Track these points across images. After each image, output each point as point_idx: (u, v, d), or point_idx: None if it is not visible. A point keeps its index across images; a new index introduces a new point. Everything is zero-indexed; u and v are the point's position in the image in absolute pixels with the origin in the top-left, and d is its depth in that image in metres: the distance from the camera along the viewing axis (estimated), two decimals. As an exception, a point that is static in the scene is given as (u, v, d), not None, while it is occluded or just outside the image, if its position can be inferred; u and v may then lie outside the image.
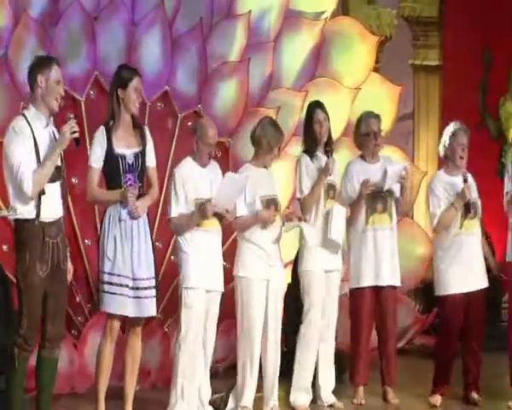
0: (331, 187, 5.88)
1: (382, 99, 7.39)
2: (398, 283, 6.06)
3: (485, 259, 6.04)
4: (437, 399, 6.02)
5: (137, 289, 5.09)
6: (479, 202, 5.95)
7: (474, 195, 5.93)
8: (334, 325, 5.96)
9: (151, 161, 5.27)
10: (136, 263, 5.10)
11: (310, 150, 5.89)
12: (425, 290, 7.87)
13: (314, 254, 5.83)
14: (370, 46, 7.47)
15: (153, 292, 5.14)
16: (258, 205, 5.60)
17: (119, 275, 5.06)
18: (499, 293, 7.38)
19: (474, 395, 5.98)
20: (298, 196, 5.86)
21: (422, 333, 7.57)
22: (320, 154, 5.90)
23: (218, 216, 5.46)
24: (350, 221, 6.00)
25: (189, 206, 5.43)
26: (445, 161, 6.07)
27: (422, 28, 9.03)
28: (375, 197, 5.94)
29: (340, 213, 5.86)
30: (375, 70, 7.75)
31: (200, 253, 5.43)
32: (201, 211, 5.38)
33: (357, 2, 8.58)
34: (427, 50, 9.04)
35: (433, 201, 5.96)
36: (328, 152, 5.84)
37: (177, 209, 5.43)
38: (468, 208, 5.85)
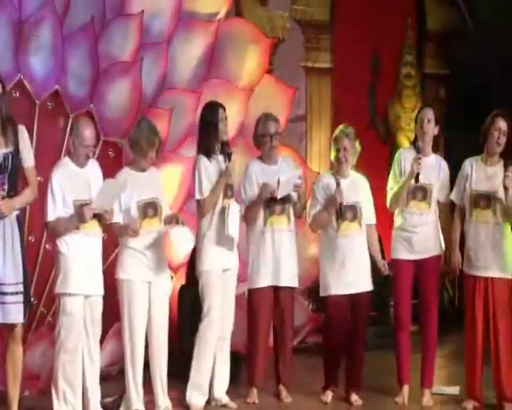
0: (229, 187, 5.90)
1: (276, 100, 7.45)
2: (295, 284, 6.12)
3: (374, 260, 6.17)
4: (328, 395, 6.12)
5: (2, 294, 4.97)
6: (360, 205, 6.02)
7: (353, 198, 6.01)
8: (231, 324, 5.97)
9: (27, 160, 5.14)
10: (1, 267, 4.97)
11: (208, 152, 5.88)
12: (317, 290, 7.98)
13: (211, 253, 5.83)
14: (264, 48, 7.52)
15: (19, 298, 5.03)
16: (134, 211, 5.56)
17: None
18: (387, 293, 7.57)
19: (354, 397, 6.07)
20: (197, 197, 5.84)
21: (315, 332, 7.68)
22: (217, 154, 5.91)
23: (98, 217, 5.39)
24: (248, 222, 6.03)
25: (68, 208, 5.34)
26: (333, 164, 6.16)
27: (314, 31, 9.14)
28: (272, 200, 5.99)
29: (236, 209, 5.90)
30: (269, 72, 7.80)
31: (79, 256, 5.36)
32: (79, 214, 5.30)
33: (249, 4, 8.60)
34: (318, 53, 9.17)
35: (311, 201, 6.09)
36: (229, 155, 5.86)
37: (55, 212, 5.33)
38: (340, 212, 5.96)
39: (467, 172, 5.89)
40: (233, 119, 7.15)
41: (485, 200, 5.79)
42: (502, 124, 5.79)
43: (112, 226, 5.56)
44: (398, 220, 6.07)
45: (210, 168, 5.86)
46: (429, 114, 6.04)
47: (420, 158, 5.88)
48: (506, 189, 5.70)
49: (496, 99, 8.66)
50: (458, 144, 9.12)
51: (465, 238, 5.89)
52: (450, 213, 6.08)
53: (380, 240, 7.35)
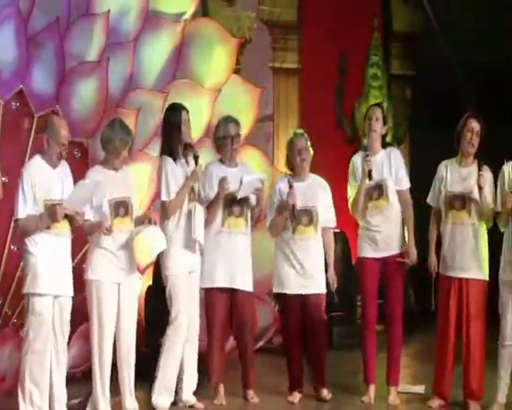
0: (192, 190, 5.88)
1: (243, 101, 7.46)
2: (250, 288, 6.09)
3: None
4: (295, 396, 6.14)
5: None
6: (317, 210, 6.03)
7: (310, 202, 6.02)
8: (197, 326, 5.96)
9: None
10: None
11: (172, 153, 5.86)
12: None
13: (178, 256, 5.81)
14: (231, 48, 7.53)
15: None
16: (106, 208, 5.54)
17: None
18: (354, 294, 7.61)
19: (324, 393, 6.11)
20: (164, 198, 5.80)
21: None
22: (181, 157, 5.88)
23: (68, 218, 5.36)
24: (207, 222, 6.01)
25: (38, 207, 5.29)
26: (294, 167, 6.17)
27: (281, 32, 9.17)
28: (232, 201, 6.00)
29: (201, 212, 5.89)
30: (236, 72, 7.81)
31: (49, 257, 5.32)
32: (51, 213, 5.26)
33: (216, 4, 8.61)
34: (286, 53, 9.21)
35: (269, 204, 6.13)
36: (196, 158, 5.84)
37: (25, 210, 5.28)
38: (293, 214, 5.96)
39: (442, 174, 5.93)
40: (200, 119, 7.16)
41: (460, 201, 5.83)
42: (474, 125, 5.84)
43: (83, 224, 5.50)
44: (361, 223, 6.10)
45: (176, 170, 5.83)
46: (378, 112, 6.08)
47: (368, 155, 5.92)
48: (480, 188, 5.75)
49: (462, 100, 8.76)
50: (424, 144, 9.22)
51: (441, 240, 5.92)
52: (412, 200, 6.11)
53: (346, 241, 7.40)
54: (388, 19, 9.84)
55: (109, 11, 6.86)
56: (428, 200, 6.01)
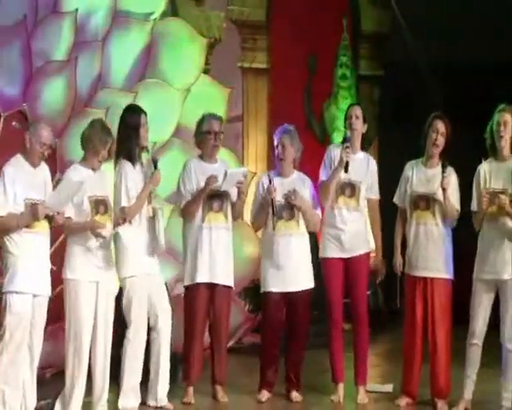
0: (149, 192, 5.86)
1: (212, 101, 7.46)
2: (231, 283, 6.10)
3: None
4: (264, 395, 6.13)
5: None
6: (303, 204, 6.03)
7: (298, 199, 6.01)
8: (169, 326, 5.90)
9: None
10: None
11: (130, 157, 5.80)
12: (255, 290, 8.02)
13: (136, 259, 5.77)
14: (200, 47, 7.53)
15: None
16: (86, 205, 5.53)
17: None
18: (322, 293, 7.61)
19: (294, 394, 6.12)
20: (124, 204, 5.73)
21: (252, 332, 7.71)
22: (138, 160, 5.84)
23: (48, 217, 5.34)
24: (188, 216, 6.00)
25: (18, 205, 5.27)
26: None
27: (250, 31, 9.20)
28: (212, 196, 5.99)
29: (162, 216, 5.86)
30: (205, 72, 7.81)
31: (29, 256, 5.30)
32: (33, 211, 5.24)
33: (185, 3, 8.60)
34: (255, 53, 9.23)
35: (253, 200, 6.14)
36: (155, 162, 5.82)
37: (6, 207, 5.26)
38: (273, 208, 5.98)
39: (407, 174, 5.97)
40: (169, 119, 7.15)
41: (424, 201, 5.87)
42: (439, 125, 5.88)
43: (65, 222, 5.44)
44: (327, 218, 6.12)
45: (135, 174, 5.79)
46: (357, 111, 6.11)
47: (348, 147, 5.93)
48: (444, 190, 5.79)
49: (429, 100, 8.82)
50: (391, 144, 9.28)
51: (406, 239, 5.96)
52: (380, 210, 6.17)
53: (316, 241, 7.39)
54: (356, 19, 9.89)
55: (77, 10, 6.83)
56: (395, 199, 6.06)
